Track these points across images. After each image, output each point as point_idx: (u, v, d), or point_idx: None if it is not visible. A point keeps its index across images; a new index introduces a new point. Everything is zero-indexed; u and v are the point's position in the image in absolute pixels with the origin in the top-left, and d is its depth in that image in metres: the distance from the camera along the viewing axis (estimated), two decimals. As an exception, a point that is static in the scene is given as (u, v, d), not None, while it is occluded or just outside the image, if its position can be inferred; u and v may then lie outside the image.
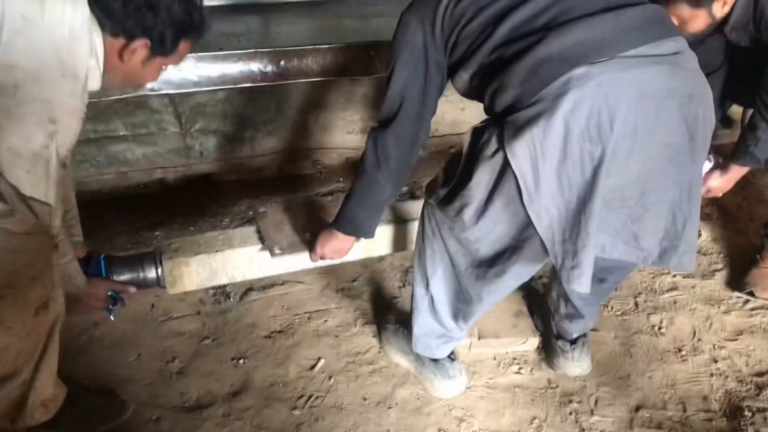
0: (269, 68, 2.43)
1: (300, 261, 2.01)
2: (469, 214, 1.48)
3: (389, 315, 2.13)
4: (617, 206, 1.42)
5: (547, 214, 1.36)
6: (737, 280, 2.38)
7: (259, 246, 2.01)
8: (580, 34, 1.32)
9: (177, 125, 2.70)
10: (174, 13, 1.36)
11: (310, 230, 1.99)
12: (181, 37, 1.41)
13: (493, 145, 1.37)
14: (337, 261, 1.98)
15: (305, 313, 2.19)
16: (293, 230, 2.03)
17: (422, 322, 1.83)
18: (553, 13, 1.37)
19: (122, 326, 2.09)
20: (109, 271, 1.84)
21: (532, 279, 2.30)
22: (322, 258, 1.91)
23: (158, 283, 1.93)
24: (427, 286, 1.75)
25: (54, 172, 1.26)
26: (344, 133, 2.97)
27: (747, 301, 2.31)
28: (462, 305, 1.73)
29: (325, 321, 2.16)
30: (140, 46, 1.36)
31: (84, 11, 1.25)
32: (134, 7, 1.31)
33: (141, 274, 1.93)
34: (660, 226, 1.46)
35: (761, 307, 2.29)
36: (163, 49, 1.40)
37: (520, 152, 1.31)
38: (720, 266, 2.48)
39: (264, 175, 2.90)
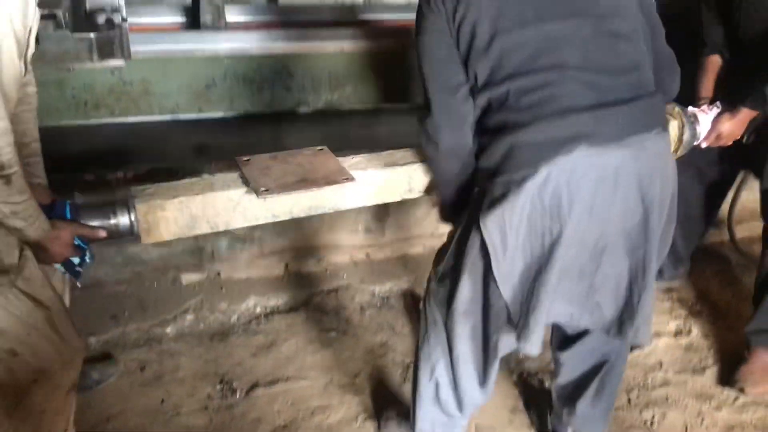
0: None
1: (288, 205, 1.87)
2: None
3: (390, 410, 2.21)
4: (577, 277, 1.56)
5: (510, 277, 1.53)
6: (728, 377, 2.45)
7: (244, 189, 1.84)
8: (562, 131, 1.44)
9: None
10: None
11: (299, 175, 1.87)
12: None
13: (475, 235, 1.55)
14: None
15: (309, 408, 2.27)
16: (281, 174, 1.88)
17: (426, 413, 1.90)
18: (545, 95, 1.46)
19: (133, 420, 2.17)
20: (75, 217, 1.68)
21: (529, 375, 2.41)
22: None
23: (131, 230, 1.74)
24: (432, 373, 1.82)
25: None
26: (349, 231, 3.12)
27: (737, 398, 2.38)
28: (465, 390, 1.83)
29: (328, 416, 2.24)
30: None
31: None
32: None
33: (112, 220, 1.73)
34: (617, 299, 1.61)
35: (752, 403, 2.36)
36: None
37: (491, 225, 1.48)
38: (710, 362, 2.56)
39: (271, 272, 3.03)
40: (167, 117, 2.84)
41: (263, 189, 1.78)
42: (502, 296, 1.55)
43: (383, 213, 3.05)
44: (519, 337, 1.57)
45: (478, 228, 1.52)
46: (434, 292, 1.76)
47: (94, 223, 1.69)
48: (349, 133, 2.96)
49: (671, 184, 1.58)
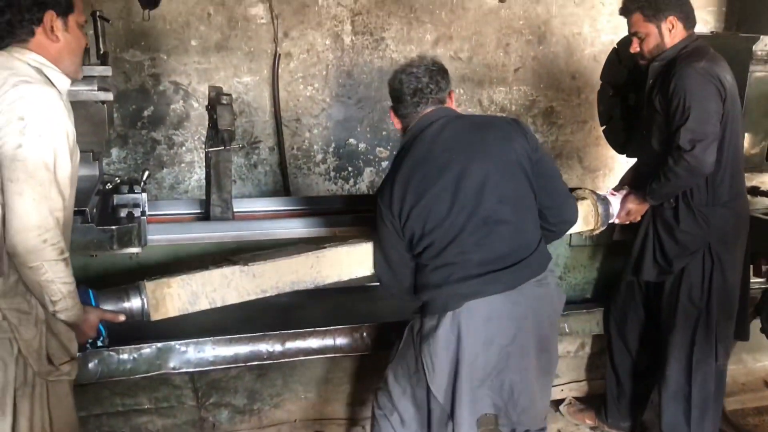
0: (275, 348, 2.84)
1: (274, 279, 2.37)
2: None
3: None
4: (479, 383, 2.22)
5: (440, 385, 2.22)
6: None
7: (237, 267, 2.31)
8: (462, 290, 2.17)
9: (194, 399, 3.05)
10: None
11: (281, 255, 2.38)
12: None
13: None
14: None
15: None
16: (266, 256, 2.39)
17: None
18: (451, 270, 2.19)
19: None
20: (96, 302, 2.02)
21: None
22: None
23: (142, 311, 2.13)
24: None
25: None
26: (344, 404, 3.27)
27: None
28: None
29: None
30: (51, 19, 1.83)
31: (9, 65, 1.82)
32: (16, 7, 1.82)
33: (125, 303, 2.13)
34: (503, 398, 2.27)
35: None
36: (64, 6, 1.86)
37: (425, 351, 2.23)
38: None
39: (270, 444, 3.17)
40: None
41: (251, 262, 2.30)
42: (437, 398, 2.25)
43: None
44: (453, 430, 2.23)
45: (414, 352, 2.28)
46: (385, 398, 2.42)
47: (110, 306, 2.11)
48: (352, 307, 3.19)
49: (546, 318, 2.29)
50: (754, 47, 3.08)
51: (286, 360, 2.90)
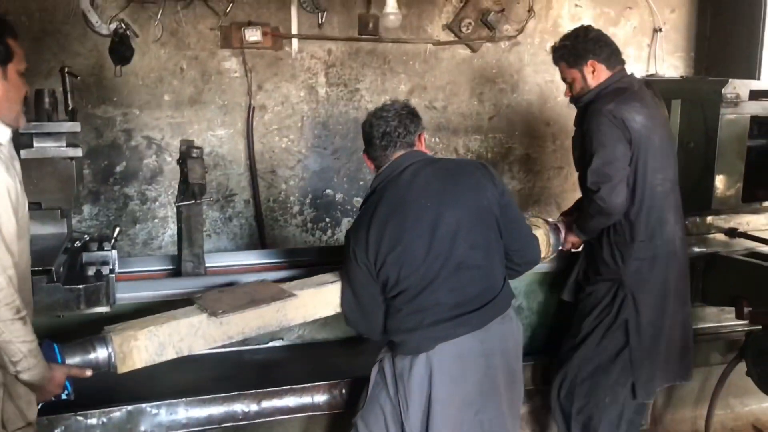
0: (250, 408, 2.75)
1: (241, 326, 2.35)
2: None
3: None
4: (453, 419, 2.29)
5: (415, 425, 2.30)
6: None
7: (204, 315, 2.24)
8: (434, 334, 2.26)
9: (167, 463, 2.92)
10: None
11: (248, 298, 2.37)
12: (4, 37, 1.81)
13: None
14: None
15: None
16: (232, 300, 2.37)
17: None
18: (424, 315, 2.27)
19: None
20: (62, 356, 1.96)
21: None
22: None
23: (109, 362, 2.08)
24: None
25: None
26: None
27: None
28: None
29: None
30: None
31: None
32: None
33: (92, 355, 2.07)
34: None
35: None
36: (3, 55, 1.81)
37: (400, 390, 2.32)
38: None
39: None
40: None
41: (220, 311, 2.27)
42: None
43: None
44: None
45: (387, 393, 2.37)
46: None
47: (76, 359, 2.06)
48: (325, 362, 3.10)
49: (512, 351, 2.41)
50: (723, 90, 3.12)
51: (263, 420, 2.80)
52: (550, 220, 3.07)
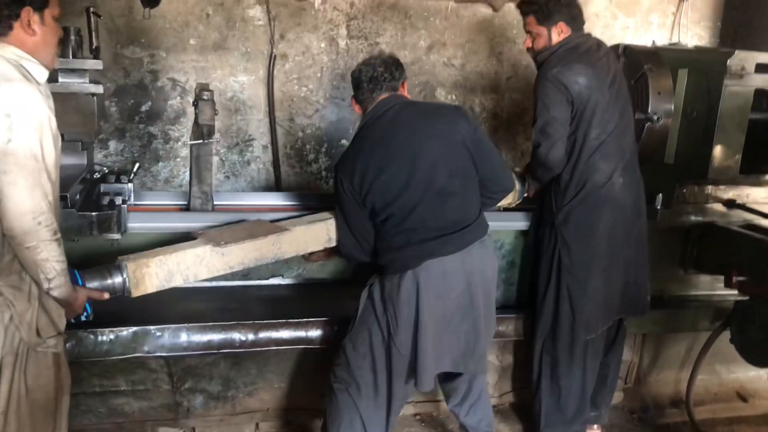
0: (248, 336, 2.94)
1: (240, 257, 2.64)
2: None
3: None
4: (435, 334, 2.55)
5: (404, 339, 2.56)
6: None
7: (209, 246, 2.54)
8: (420, 251, 2.54)
9: (169, 383, 3.16)
10: None
11: (246, 234, 2.66)
12: None
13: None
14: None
15: None
16: (232, 235, 2.66)
17: None
18: (410, 235, 2.56)
19: None
20: (83, 280, 2.24)
21: None
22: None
23: (124, 287, 2.37)
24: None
25: None
26: (317, 396, 3.36)
27: None
28: None
29: None
30: (28, 14, 2.01)
31: None
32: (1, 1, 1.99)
33: (108, 280, 2.37)
34: (461, 347, 2.64)
35: None
36: (39, 2, 2.03)
37: (389, 307, 2.59)
38: None
39: (242, 431, 3.27)
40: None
41: (223, 242, 2.56)
42: (401, 351, 2.58)
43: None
44: (416, 379, 2.58)
45: (375, 313, 2.64)
46: (343, 370, 2.72)
47: (95, 283, 2.35)
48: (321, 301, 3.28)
49: (489, 274, 2.70)
50: (728, 62, 3.14)
51: (260, 349, 3.00)
52: (516, 169, 3.35)
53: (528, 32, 3.09)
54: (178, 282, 2.56)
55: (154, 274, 2.49)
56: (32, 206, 1.96)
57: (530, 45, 3.09)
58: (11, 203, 1.94)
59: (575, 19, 3.02)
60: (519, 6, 3.14)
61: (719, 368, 3.90)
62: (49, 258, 2.02)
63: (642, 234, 3.14)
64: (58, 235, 2.05)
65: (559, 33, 2.98)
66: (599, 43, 3.07)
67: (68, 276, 2.13)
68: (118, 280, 2.42)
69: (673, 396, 3.80)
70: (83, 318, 2.31)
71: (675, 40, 4.85)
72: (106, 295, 2.36)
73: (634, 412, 3.73)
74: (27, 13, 2.02)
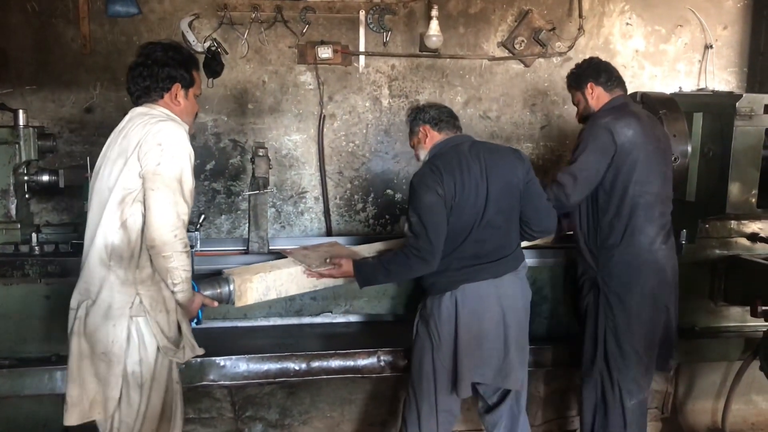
0: (301, 366, 3.27)
1: (322, 279, 3.10)
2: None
3: None
4: (473, 350, 2.87)
5: (446, 352, 2.90)
6: None
7: (301, 267, 3.05)
8: (458, 277, 2.88)
9: (232, 411, 3.49)
10: (176, 59, 2.48)
11: (325, 258, 3.07)
12: (191, 69, 2.52)
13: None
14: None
15: None
16: (317, 258, 3.10)
17: None
18: (451, 260, 2.89)
19: None
20: (198, 288, 2.64)
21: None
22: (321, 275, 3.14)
23: (229, 297, 2.77)
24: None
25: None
26: (366, 425, 3.64)
27: None
28: None
29: None
30: (176, 89, 2.49)
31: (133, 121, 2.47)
32: (155, 78, 2.48)
33: (218, 290, 2.80)
34: (497, 362, 2.92)
35: None
36: (188, 81, 2.51)
37: (431, 325, 2.92)
38: None
39: (298, 457, 3.56)
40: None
41: (314, 266, 3.04)
42: (443, 364, 2.91)
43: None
44: (456, 389, 2.90)
45: (422, 335, 2.98)
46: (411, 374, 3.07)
47: (207, 292, 2.80)
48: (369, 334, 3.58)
49: (521, 302, 3.00)
50: (737, 104, 3.39)
51: (312, 378, 3.31)
52: None
53: (574, 104, 3.41)
54: (272, 296, 3.01)
55: (255, 288, 2.94)
56: (171, 221, 2.36)
57: (577, 113, 3.39)
58: (155, 216, 2.34)
59: (607, 81, 3.25)
60: (566, 83, 3.46)
61: (756, 398, 3.99)
62: (179, 267, 2.41)
63: (676, 299, 3.26)
64: (188, 249, 2.44)
65: (590, 93, 3.25)
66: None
67: (191, 283, 2.52)
68: (225, 290, 2.86)
69: (710, 425, 3.92)
70: (194, 323, 2.62)
71: (702, 86, 5.08)
72: (216, 303, 2.78)
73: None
74: (176, 88, 2.53)
